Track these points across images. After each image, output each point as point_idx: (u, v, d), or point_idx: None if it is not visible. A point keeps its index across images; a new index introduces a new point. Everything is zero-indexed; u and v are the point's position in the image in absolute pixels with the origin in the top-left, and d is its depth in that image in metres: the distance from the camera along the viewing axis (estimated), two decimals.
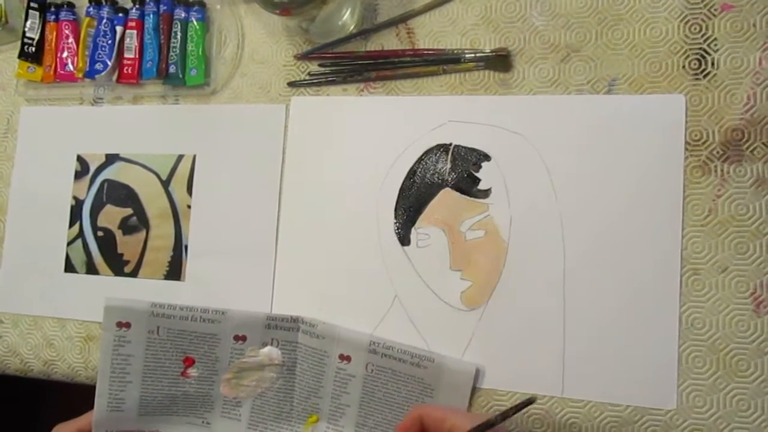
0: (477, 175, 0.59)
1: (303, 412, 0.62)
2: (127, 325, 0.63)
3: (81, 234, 0.69)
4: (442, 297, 0.59)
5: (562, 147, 0.58)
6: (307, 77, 0.65)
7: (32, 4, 0.71)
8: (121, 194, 0.69)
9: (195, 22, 0.67)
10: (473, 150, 0.60)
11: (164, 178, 0.68)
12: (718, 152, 0.55)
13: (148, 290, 0.67)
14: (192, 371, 0.64)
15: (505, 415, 0.46)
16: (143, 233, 0.68)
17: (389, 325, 0.60)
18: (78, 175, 0.70)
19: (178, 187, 0.67)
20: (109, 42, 0.69)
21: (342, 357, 0.60)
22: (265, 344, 0.63)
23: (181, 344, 0.64)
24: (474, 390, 0.58)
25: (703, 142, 0.55)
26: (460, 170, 0.60)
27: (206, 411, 0.64)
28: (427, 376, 0.58)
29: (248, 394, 0.63)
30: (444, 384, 0.58)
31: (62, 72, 0.70)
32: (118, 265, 0.68)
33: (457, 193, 0.60)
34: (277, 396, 0.63)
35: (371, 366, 0.59)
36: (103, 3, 0.69)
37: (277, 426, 0.63)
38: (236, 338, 0.63)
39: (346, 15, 0.63)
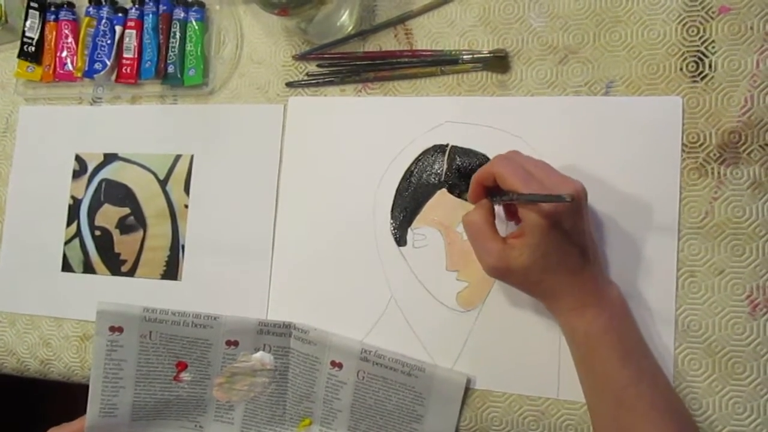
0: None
1: (296, 415, 0.62)
2: (120, 329, 0.63)
3: (78, 233, 0.69)
4: (438, 298, 0.59)
5: (559, 148, 0.57)
6: (305, 78, 0.65)
7: (32, 4, 0.71)
8: (119, 194, 0.69)
9: (194, 22, 0.67)
10: (470, 151, 0.60)
11: (162, 177, 0.68)
12: (714, 155, 0.55)
13: (144, 290, 0.67)
14: (185, 375, 0.64)
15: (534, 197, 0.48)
16: (140, 233, 0.68)
17: (385, 327, 0.60)
18: (76, 175, 0.70)
19: (175, 187, 0.67)
20: (109, 42, 0.69)
21: (334, 364, 0.60)
22: (257, 349, 0.63)
23: (173, 349, 0.63)
24: (469, 391, 0.58)
25: (700, 145, 0.55)
26: (456, 171, 0.60)
27: (199, 415, 0.64)
28: (418, 385, 0.58)
29: (241, 398, 0.63)
30: (435, 393, 0.58)
31: (61, 71, 0.71)
32: (115, 265, 0.68)
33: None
34: (269, 400, 0.63)
35: (362, 373, 0.59)
36: (103, 3, 0.70)
37: (270, 429, 0.63)
38: (228, 343, 0.63)
39: (345, 16, 0.63)
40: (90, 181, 0.70)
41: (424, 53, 0.62)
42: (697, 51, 0.56)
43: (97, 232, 0.69)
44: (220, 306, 0.64)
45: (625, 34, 0.58)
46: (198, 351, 0.63)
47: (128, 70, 0.68)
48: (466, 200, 0.59)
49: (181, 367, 0.64)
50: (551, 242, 0.48)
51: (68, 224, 0.70)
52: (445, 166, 0.60)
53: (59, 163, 0.71)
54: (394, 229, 0.61)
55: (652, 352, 0.53)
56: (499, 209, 0.56)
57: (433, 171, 0.61)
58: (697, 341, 0.54)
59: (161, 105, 0.69)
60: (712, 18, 0.56)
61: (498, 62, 0.60)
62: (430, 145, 0.61)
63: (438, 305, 0.59)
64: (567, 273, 0.50)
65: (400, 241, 0.61)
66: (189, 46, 0.67)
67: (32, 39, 0.71)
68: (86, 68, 0.69)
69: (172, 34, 0.68)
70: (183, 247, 0.66)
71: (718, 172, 0.55)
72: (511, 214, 0.56)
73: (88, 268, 0.69)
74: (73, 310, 0.68)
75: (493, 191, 0.52)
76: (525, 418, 0.57)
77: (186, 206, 0.67)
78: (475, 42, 0.62)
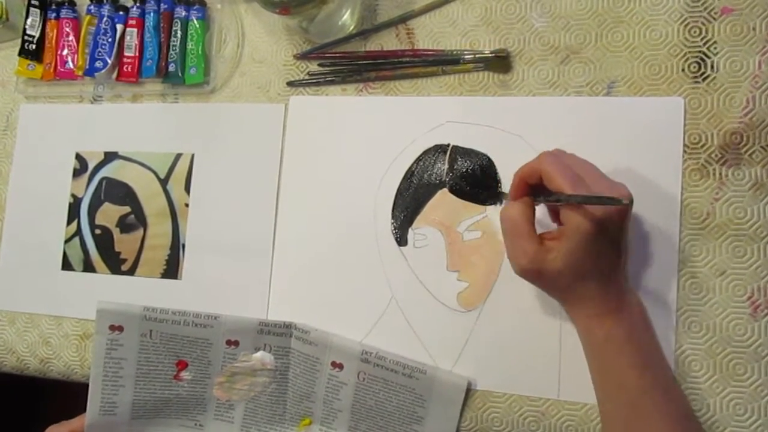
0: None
1: (296, 414, 0.62)
2: (120, 328, 0.63)
3: (79, 232, 0.69)
4: (439, 298, 0.59)
5: (560, 149, 0.57)
6: (307, 77, 0.65)
7: (33, 2, 0.71)
8: (120, 192, 0.69)
9: (195, 21, 0.67)
10: (471, 151, 0.60)
11: (162, 176, 0.68)
12: (716, 155, 0.55)
13: (144, 289, 0.67)
14: (185, 374, 0.64)
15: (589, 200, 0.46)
16: (141, 231, 0.68)
17: (386, 326, 0.60)
18: (76, 173, 0.70)
19: (176, 186, 0.67)
20: (110, 40, 0.69)
21: (334, 364, 0.60)
22: (257, 349, 0.63)
23: (173, 348, 0.63)
24: (470, 392, 0.58)
25: (702, 145, 0.55)
26: (457, 171, 0.60)
27: (199, 413, 0.64)
28: (419, 387, 0.58)
29: (241, 397, 0.63)
30: (435, 395, 0.58)
31: (62, 70, 0.71)
32: (115, 264, 0.68)
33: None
34: (270, 399, 0.63)
35: (363, 374, 0.59)
36: (104, 1, 0.69)
37: (270, 428, 0.63)
38: (228, 343, 0.63)
39: (346, 15, 0.63)
40: (90, 179, 0.70)
41: (425, 53, 0.62)
42: (699, 52, 0.56)
43: (98, 231, 0.69)
44: (220, 305, 0.64)
45: (626, 34, 0.58)
46: (198, 350, 0.63)
47: (129, 69, 0.68)
48: (466, 200, 0.59)
49: (182, 366, 0.64)
50: (591, 248, 0.47)
51: (68, 223, 0.70)
52: (447, 166, 0.60)
53: (60, 161, 0.71)
54: (394, 229, 0.61)
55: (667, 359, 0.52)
56: (543, 212, 0.55)
57: (434, 171, 0.61)
58: (698, 342, 0.54)
59: (162, 104, 0.69)
60: (714, 19, 0.56)
61: (499, 62, 0.60)
62: (432, 144, 0.61)
63: (438, 305, 0.59)
64: (596, 280, 0.48)
65: (401, 241, 0.61)
66: (190, 45, 0.67)
67: (33, 37, 0.71)
68: (87, 66, 0.69)
69: (173, 33, 0.68)
70: (183, 246, 0.66)
71: (720, 173, 0.55)
72: (556, 215, 0.54)
73: (88, 267, 0.68)
74: (72, 308, 0.68)
75: (536, 189, 0.51)
76: (525, 418, 0.57)
77: (186, 205, 0.67)
78: (477, 42, 0.61)
